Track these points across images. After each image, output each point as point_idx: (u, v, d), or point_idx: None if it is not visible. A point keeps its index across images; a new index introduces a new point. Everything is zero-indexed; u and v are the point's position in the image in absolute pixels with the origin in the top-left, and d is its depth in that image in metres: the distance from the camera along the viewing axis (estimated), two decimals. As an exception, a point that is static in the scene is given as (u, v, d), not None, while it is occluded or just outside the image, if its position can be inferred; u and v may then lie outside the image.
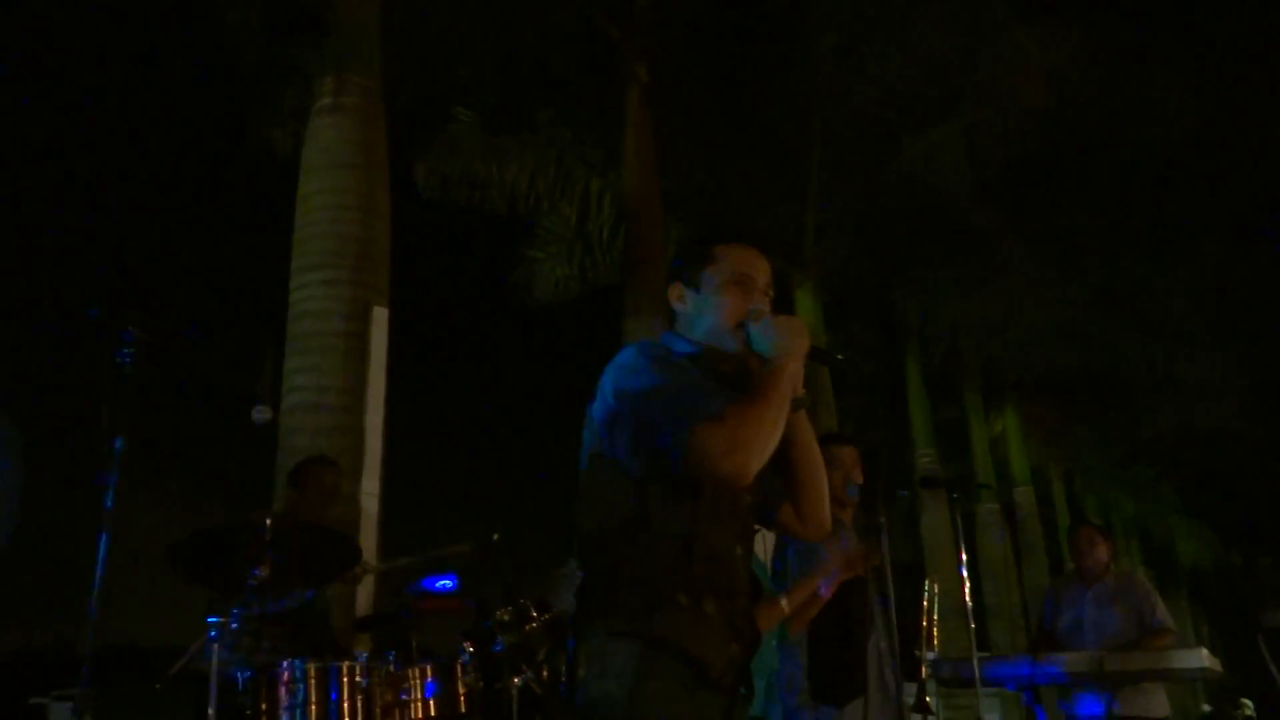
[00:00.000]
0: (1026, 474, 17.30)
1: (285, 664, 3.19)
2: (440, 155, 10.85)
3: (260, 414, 3.09)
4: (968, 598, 4.25)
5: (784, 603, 3.14)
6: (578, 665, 1.86)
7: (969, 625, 4.23)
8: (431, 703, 3.49)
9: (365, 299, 5.73)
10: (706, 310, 2.06)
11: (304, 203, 5.99)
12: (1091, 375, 16.99)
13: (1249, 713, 13.39)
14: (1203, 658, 4.52)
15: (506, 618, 3.83)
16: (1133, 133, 13.08)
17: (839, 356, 2.12)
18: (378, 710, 3.29)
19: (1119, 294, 14.97)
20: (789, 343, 1.92)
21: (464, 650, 3.65)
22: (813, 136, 11.11)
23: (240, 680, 3.17)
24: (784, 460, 2.08)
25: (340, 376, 5.52)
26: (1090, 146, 13.23)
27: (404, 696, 3.41)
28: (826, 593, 3.18)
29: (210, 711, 2.94)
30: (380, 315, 5.70)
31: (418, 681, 3.48)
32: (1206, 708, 19.21)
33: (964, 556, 4.23)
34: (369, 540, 5.33)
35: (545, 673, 3.89)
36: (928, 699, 5.18)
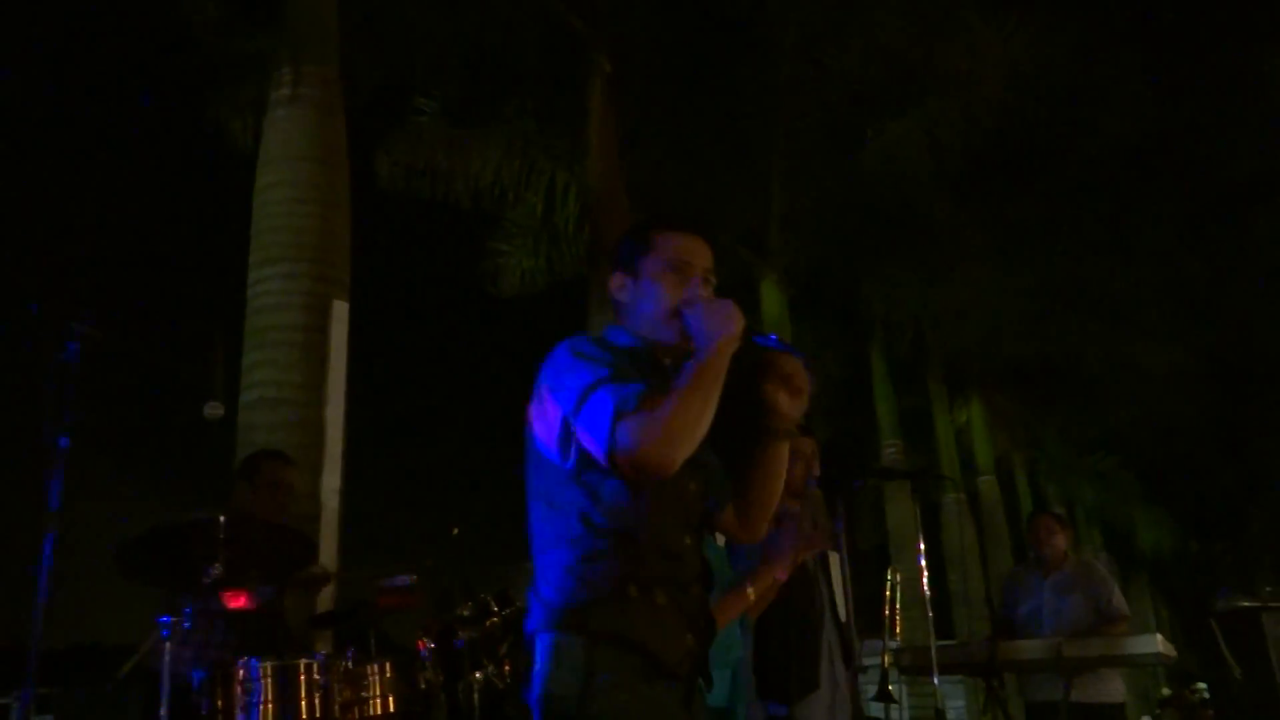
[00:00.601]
0: (990, 463, 17.49)
1: (241, 662, 3.15)
2: (403, 147, 10.77)
3: (212, 409, 3.04)
4: (925, 587, 4.29)
5: (750, 590, 3.15)
6: (532, 659, 1.87)
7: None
8: (391, 699, 3.46)
9: (325, 293, 5.68)
10: (644, 299, 2.04)
11: (261, 195, 5.92)
12: (1054, 365, 17.20)
13: (1203, 696, 13.62)
14: (1157, 643, 4.60)
15: (467, 613, 3.81)
16: (1091, 124, 13.25)
17: (772, 337, 2.08)
18: (336, 708, 3.26)
19: (1080, 284, 15.16)
20: (719, 326, 1.89)
21: (424, 646, 3.63)
22: (776, 129, 11.15)
23: (195, 679, 3.14)
24: (747, 478, 2.10)
25: (299, 371, 5.46)
26: (1049, 138, 13.38)
27: (363, 694, 3.39)
28: (783, 576, 3.20)
29: (162, 711, 2.90)
30: (340, 309, 5.65)
31: (377, 678, 3.45)
32: (1166, 691, 19.52)
33: (922, 546, 4.24)
34: (330, 537, 5.29)
35: (507, 667, 3.88)
36: (890, 687, 5.24)
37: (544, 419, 1.93)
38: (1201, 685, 13.63)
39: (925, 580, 4.24)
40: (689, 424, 1.78)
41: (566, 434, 1.88)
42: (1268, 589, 5.93)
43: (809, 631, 3.51)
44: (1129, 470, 21.22)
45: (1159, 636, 4.65)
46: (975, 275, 13.92)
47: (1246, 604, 5.96)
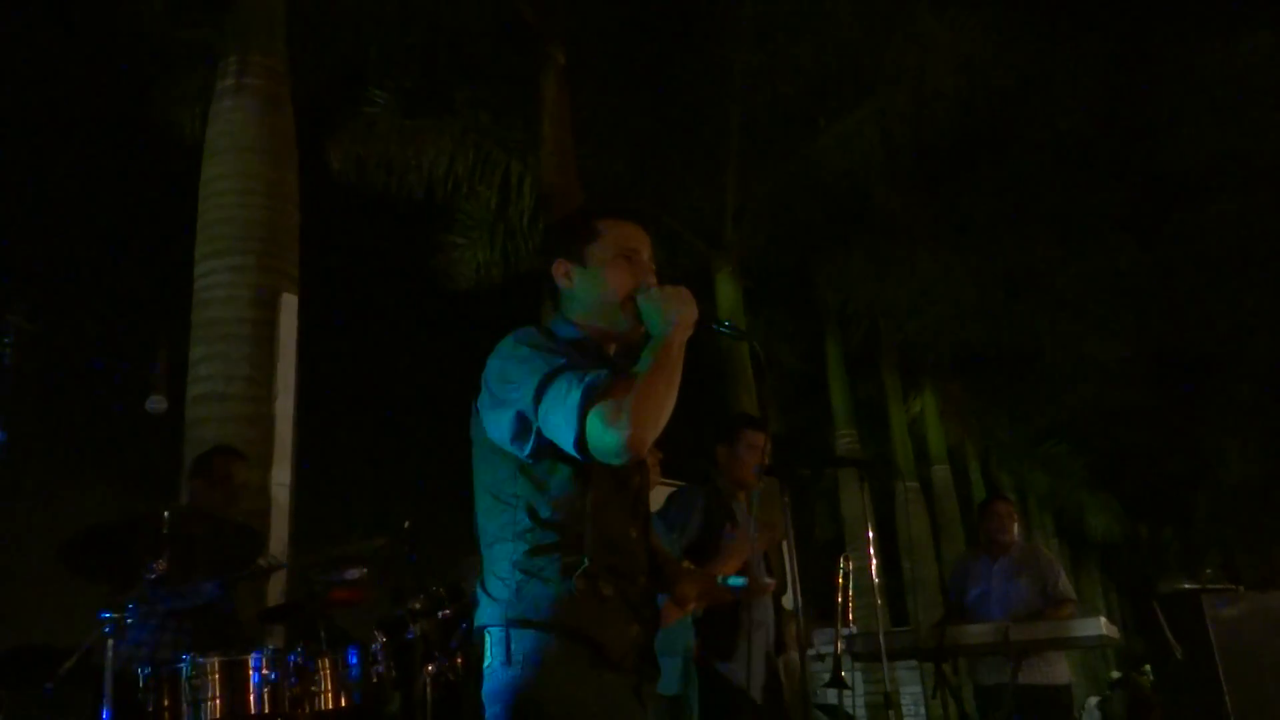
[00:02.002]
0: (944, 452, 17.71)
1: (187, 658, 3.11)
2: (355, 138, 10.64)
3: (155, 404, 3.01)
4: (874, 574, 4.35)
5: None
6: (482, 653, 1.87)
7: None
8: (342, 694, 3.44)
9: (274, 285, 5.60)
10: (594, 286, 2.03)
11: (208, 187, 5.82)
12: (1005, 355, 17.47)
13: (1150, 677, 13.95)
14: (1101, 625, 4.69)
15: (419, 606, 3.79)
16: (1040, 117, 13.45)
17: (725, 324, 2.10)
18: (286, 703, 3.23)
19: (1031, 275, 15.39)
20: (678, 312, 1.91)
21: (376, 640, 3.60)
22: (731, 120, 11.17)
23: (141, 676, 3.09)
24: None
25: (247, 365, 5.39)
26: (1000, 130, 13.56)
27: (314, 688, 3.36)
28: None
29: (105, 709, 2.86)
30: (290, 302, 5.59)
31: (327, 672, 3.42)
32: (1115, 674, 19.94)
33: (871, 535, 4.30)
34: (280, 531, 5.24)
35: (459, 660, 3.87)
36: (843, 673, 5.31)
37: (494, 412, 1.92)
38: (1149, 667, 13.97)
39: (875, 568, 4.29)
40: (657, 407, 1.79)
41: (521, 425, 1.87)
42: (1208, 572, 6.10)
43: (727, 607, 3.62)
44: (1079, 458, 21.62)
45: (1102, 619, 4.74)
46: (928, 266, 14.09)
47: (1188, 587, 6.11)
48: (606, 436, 1.74)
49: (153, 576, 3.13)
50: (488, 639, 1.86)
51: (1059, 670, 5.26)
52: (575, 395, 1.77)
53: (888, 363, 16.74)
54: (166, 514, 3.16)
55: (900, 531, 15.62)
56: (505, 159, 11.15)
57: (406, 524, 4.07)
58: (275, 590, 4.81)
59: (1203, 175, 15.43)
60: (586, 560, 1.85)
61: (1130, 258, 15.48)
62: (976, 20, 10.96)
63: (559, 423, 1.78)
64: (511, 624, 1.83)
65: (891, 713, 4.18)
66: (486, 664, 1.85)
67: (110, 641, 2.87)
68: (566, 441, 1.79)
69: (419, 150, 10.90)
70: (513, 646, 1.82)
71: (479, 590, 1.95)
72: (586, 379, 1.79)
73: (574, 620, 1.81)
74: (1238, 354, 19.47)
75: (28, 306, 2.53)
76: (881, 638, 4.09)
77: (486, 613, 1.89)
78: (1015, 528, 5.47)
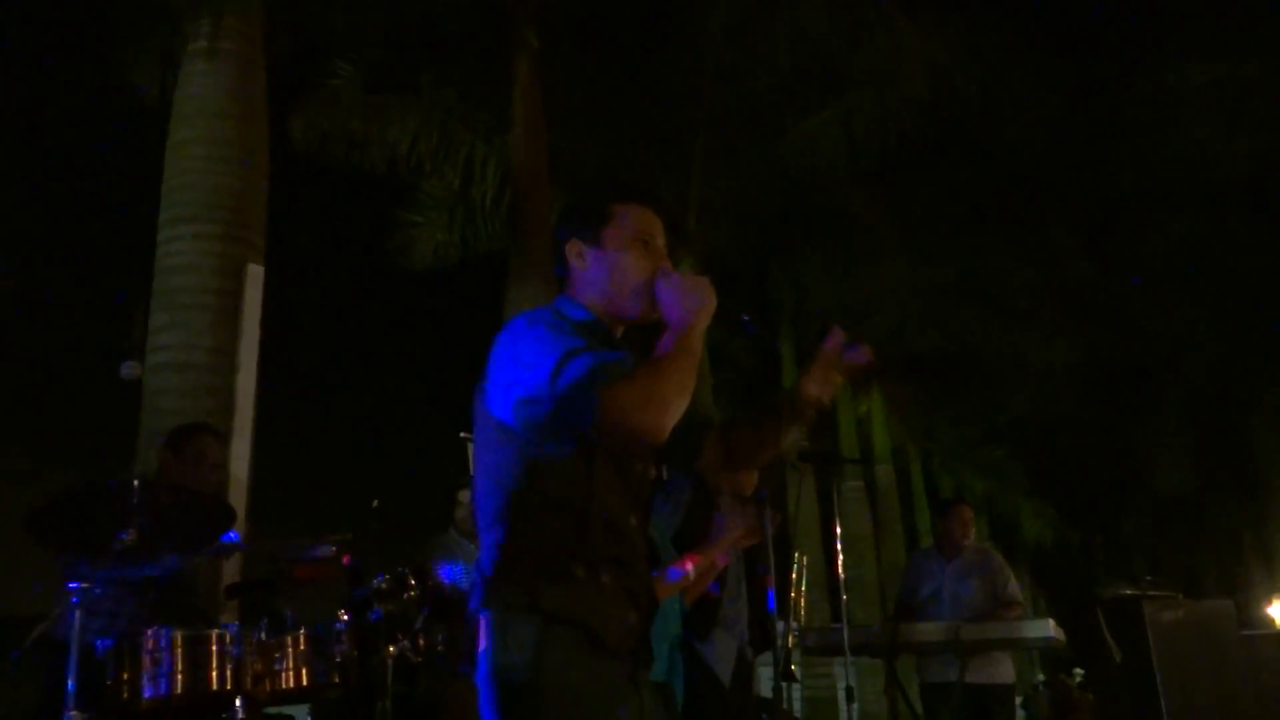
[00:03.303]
0: (888, 453, 17.97)
1: (150, 632, 3.05)
2: (318, 110, 10.45)
3: (129, 370, 2.94)
4: (841, 571, 4.41)
5: (690, 572, 3.24)
6: (478, 637, 1.86)
7: (841, 597, 4.40)
8: (305, 672, 3.40)
9: (239, 255, 5.50)
10: (610, 269, 2.01)
11: (175, 151, 5.69)
12: (951, 359, 17.75)
13: (1079, 680, 14.34)
14: (1049, 628, 4.83)
15: (384, 586, 3.76)
16: (1001, 129, 13.67)
17: (745, 317, 2.14)
18: (248, 680, 3.19)
19: (979, 282, 15.67)
20: (702, 301, 1.91)
21: (339, 618, 3.57)
22: (699, 113, 11.19)
23: (100, 649, 3.03)
24: (754, 439, 2.46)
25: (210, 335, 5.29)
26: (960, 139, 13.76)
27: (276, 666, 3.32)
28: (723, 561, 3.31)
29: (70, 682, 2.80)
30: (255, 273, 5.48)
31: (290, 650, 3.39)
32: (1041, 676, 20.44)
33: (839, 530, 4.36)
34: (239, 506, 5.14)
35: (422, 641, 3.85)
36: (793, 667, 5.39)
37: (503, 391, 1.89)
38: (1079, 670, 14.36)
39: (840, 564, 4.35)
40: (678, 392, 1.79)
41: (534, 406, 1.84)
42: (1148, 578, 6.29)
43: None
44: (1017, 463, 22.06)
45: (1051, 621, 4.87)
46: (883, 269, 14.27)
47: (1129, 592, 6.29)
48: (628, 420, 1.74)
49: (119, 547, 3.07)
50: (485, 623, 1.85)
51: (1004, 670, 5.40)
52: (597, 375, 1.75)
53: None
54: (136, 484, 3.10)
55: (845, 530, 15.80)
56: (470, 140, 11.04)
57: (375, 503, 4.03)
58: (233, 566, 4.73)
59: (1150, 193, 15.82)
60: (587, 548, 1.85)
61: (1077, 270, 15.83)
62: (947, 28, 11.10)
63: (577, 404, 1.77)
64: (510, 609, 1.82)
65: (855, 706, 4.22)
66: (484, 649, 1.84)
67: (78, 612, 2.81)
68: (583, 424, 1.78)
69: (383, 126, 10.75)
70: (510, 631, 1.81)
71: (475, 572, 1.94)
72: (607, 361, 1.78)
73: (573, 607, 1.81)
74: (1172, 368, 20.02)
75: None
76: (845, 633, 4.15)
77: (484, 596, 1.87)
78: (973, 532, 5.59)
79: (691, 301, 1.90)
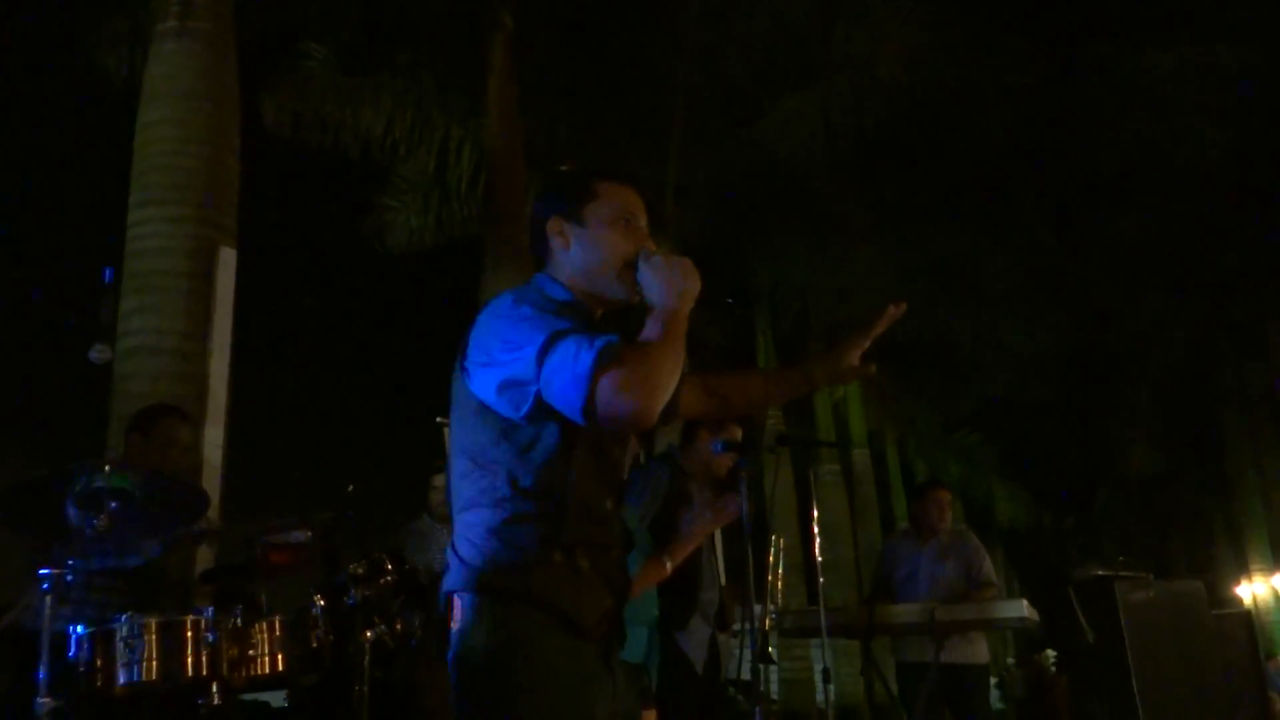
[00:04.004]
0: (864, 437, 18.05)
1: (124, 618, 3.02)
2: (291, 92, 10.34)
3: (99, 354, 2.89)
4: (818, 554, 4.44)
5: (667, 563, 3.26)
6: (450, 619, 1.84)
7: (818, 579, 4.43)
8: (281, 657, 3.38)
9: (211, 238, 5.42)
10: (592, 248, 1.98)
11: (145, 132, 5.60)
12: (926, 344, 17.82)
13: (1052, 661, 14.52)
14: (1024, 608, 4.88)
15: (360, 571, 3.74)
16: (976, 113, 13.71)
17: (728, 300, 2.12)
18: (224, 666, 3.17)
19: (954, 267, 15.73)
20: (685, 284, 1.87)
21: (315, 604, 3.54)
22: (676, 97, 11.15)
23: (73, 637, 2.99)
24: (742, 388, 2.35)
25: (182, 319, 5.22)
26: (935, 124, 13.78)
27: (252, 652, 3.29)
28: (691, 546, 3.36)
29: (41, 671, 2.76)
30: (228, 256, 5.41)
31: (265, 636, 3.36)
32: (1010, 660, 20.67)
33: (816, 514, 4.38)
34: (212, 493, 5.08)
35: (398, 626, 3.83)
36: (770, 649, 5.42)
37: (485, 371, 1.86)
38: (1050, 651, 14.54)
39: (817, 547, 4.37)
40: (668, 378, 1.77)
41: (517, 387, 1.82)
42: (1121, 559, 6.36)
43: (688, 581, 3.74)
44: (990, 447, 22.24)
45: (1025, 602, 4.92)
46: (859, 254, 14.29)
47: (1101, 573, 6.36)
48: (618, 404, 1.71)
49: (90, 533, 3.03)
50: (458, 603, 1.83)
51: (979, 650, 5.45)
52: (586, 360, 1.72)
53: (815, 346, 16.96)
54: (107, 468, 3.06)
55: (821, 513, 15.88)
56: (445, 123, 10.96)
57: (350, 488, 4.00)
58: (207, 551, 4.68)
59: (1123, 180, 15.94)
60: (565, 532, 1.84)
61: (1050, 256, 15.93)
62: (922, 12, 11.11)
63: (565, 387, 1.74)
64: (483, 590, 1.81)
65: (831, 687, 4.25)
66: (457, 630, 1.82)
67: (49, 599, 2.77)
68: (572, 407, 1.74)
69: (357, 108, 10.66)
70: (484, 613, 1.79)
71: (450, 554, 1.92)
72: (597, 343, 1.74)
73: (549, 591, 1.80)
74: (1143, 353, 20.23)
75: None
76: (823, 615, 4.18)
77: (457, 577, 1.85)
78: (950, 515, 5.63)
79: (676, 284, 1.87)
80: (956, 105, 13.25)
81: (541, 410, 1.81)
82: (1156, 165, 15.43)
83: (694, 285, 1.89)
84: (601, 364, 1.71)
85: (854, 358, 2.35)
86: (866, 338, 2.34)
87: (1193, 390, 21.78)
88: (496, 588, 1.80)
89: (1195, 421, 22.56)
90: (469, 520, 1.89)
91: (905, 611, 5.11)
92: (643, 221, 2.02)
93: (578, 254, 1.99)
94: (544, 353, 1.77)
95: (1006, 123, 14.13)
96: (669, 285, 1.87)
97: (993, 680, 16.04)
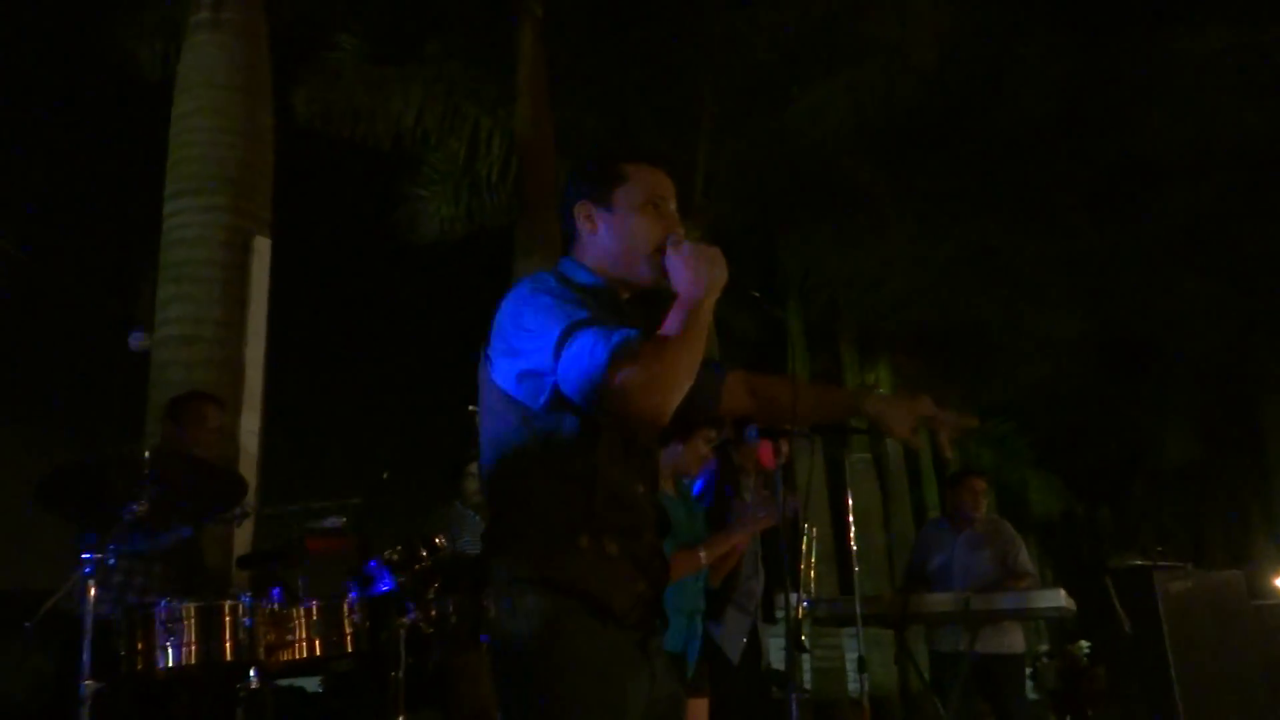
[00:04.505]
0: (896, 426, 17.88)
1: (164, 603, 3.06)
2: (322, 83, 10.37)
3: (138, 341, 2.92)
4: (853, 543, 4.42)
5: (703, 555, 3.25)
6: (489, 606, 1.85)
7: (852, 569, 4.40)
8: (317, 642, 3.41)
9: (246, 228, 5.47)
10: (620, 234, 1.95)
11: (180, 123, 5.65)
12: (959, 332, 17.67)
13: (1085, 651, 14.38)
14: (1061, 598, 4.82)
15: (395, 557, 3.77)
16: (1009, 99, 13.53)
17: (755, 294, 2.07)
18: (261, 650, 3.20)
19: (988, 254, 15.56)
20: (713, 274, 1.84)
21: (351, 589, 3.58)
22: (705, 84, 11.09)
23: (114, 620, 3.04)
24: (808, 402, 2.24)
25: (218, 308, 5.26)
26: (967, 109, 13.62)
27: (289, 637, 3.33)
28: (742, 545, 3.34)
29: (84, 654, 2.80)
30: (262, 245, 5.45)
31: (302, 621, 3.40)
32: (1044, 648, 20.49)
33: (850, 502, 4.36)
34: (249, 479, 5.14)
35: (433, 612, 3.86)
36: (803, 637, 5.41)
37: (505, 359, 1.86)
38: (1084, 642, 14.40)
39: (852, 535, 4.35)
40: (681, 372, 1.74)
41: (535, 377, 1.81)
42: (1159, 549, 6.28)
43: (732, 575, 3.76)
44: (1024, 436, 22.02)
45: (1062, 592, 4.86)
46: (890, 241, 14.17)
47: (1139, 563, 6.27)
48: (630, 403, 1.69)
49: (130, 518, 3.07)
50: (496, 593, 1.84)
51: (1014, 640, 5.40)
52: (601, 354, 1.70)
53: (846, 335, 16.87)
54: (147, 454, 3.09)
55: (853, 502, 15.80)
56: (475, 112, 10.97)
57: (385, 475, 4.03)
58: (243, 537, 4.74)
59: (1161, 162, 15.67)
60: (591, 518, 1.82)
61: (1087, 241, 15.72)
62: (954, -4, 10.98)
63: (579, 381, 1.72)
64: (514, 578, 1.81)
65: (865, 676, 4.23)
66: (494, 617, 1.83)
67: (91, 583, 2.81)
68: (586, 401, 1.73)
69: (387, 98, 10.68)
70: (518, 601, 1.80)
71: (483, 541, 1.93)
72: (614, 337, 1.71)
73: (579, 577, 1.79)
74: (1179, 339, 19.93)
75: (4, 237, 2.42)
76: (858, 603, 4.15)
77: (491, 565, 1.87)
78: (985, 504, 5.58)
79: (702, 274, 1.83)
80: (989, 90, 13.09)
81: (559, 400, 1.80)
82: (1194, 148, 15.17)
83: (721, 276, 1.85)
84: (616, 360, 1.69)
85: (915, 414, 2.15)
86: (939, 415, 2.16)
87: (1230, 377, 21.42)
88: (526, 575, 1.81)
89: (1233, 409, 22.19)
90: (499, 508, 1.90)
91: (939, 601, 5.07)
92: (673, 205, 1.99)
93: (605, 239, 1.97)
94: (561, 344, 1.75)
95: (1040, 107, 13.94)
96: (696, 275, 1.83)
97: (1028, 671, 15.93)
